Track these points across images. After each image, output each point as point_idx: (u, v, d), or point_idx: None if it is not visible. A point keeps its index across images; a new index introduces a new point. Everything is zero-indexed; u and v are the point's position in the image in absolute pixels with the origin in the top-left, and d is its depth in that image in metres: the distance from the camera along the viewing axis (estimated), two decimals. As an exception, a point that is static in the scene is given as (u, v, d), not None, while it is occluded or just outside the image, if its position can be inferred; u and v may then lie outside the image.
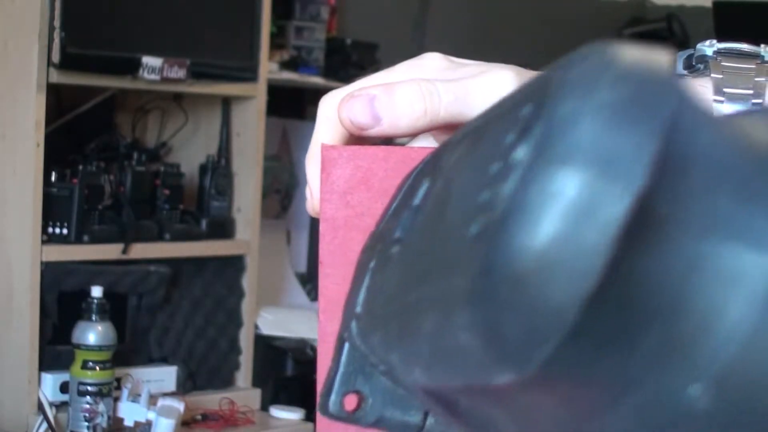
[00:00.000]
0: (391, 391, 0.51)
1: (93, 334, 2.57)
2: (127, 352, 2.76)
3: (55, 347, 2.64)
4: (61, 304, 2.63)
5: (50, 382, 2.60)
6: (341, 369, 0.52)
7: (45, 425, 2.57)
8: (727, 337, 0.36)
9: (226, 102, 3.00)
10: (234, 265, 2.98)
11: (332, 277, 0.66)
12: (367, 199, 0.66)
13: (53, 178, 2.62)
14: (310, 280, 3.44)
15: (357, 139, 0.63)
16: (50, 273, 2.60)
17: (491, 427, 0.42)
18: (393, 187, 0.65)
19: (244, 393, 2.97)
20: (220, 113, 3.00)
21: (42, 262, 2.58)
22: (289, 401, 3.01)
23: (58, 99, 2.78)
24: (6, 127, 2.59)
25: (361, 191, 0.66)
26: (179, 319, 2.89)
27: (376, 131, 0.62)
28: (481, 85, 0.61)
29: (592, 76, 0.36)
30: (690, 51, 0.64)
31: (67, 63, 2.54)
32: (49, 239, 2.62)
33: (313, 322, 3.01)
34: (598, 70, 0.36)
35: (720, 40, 0.62)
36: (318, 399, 0.53)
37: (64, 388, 2.60)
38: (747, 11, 4.67)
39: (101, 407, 2.56)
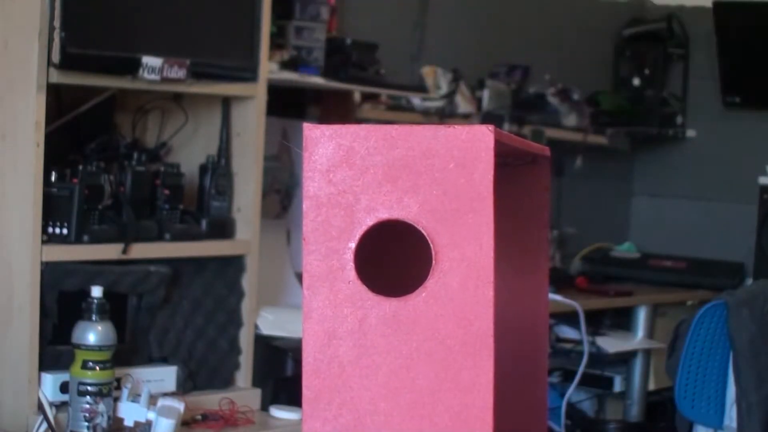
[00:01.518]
0: None
1: (93, 334, 2.57)
2: (127, 352, 2.76)
3: (55, 347, 2.64)
4: (61, 304, 2.64)
5: (50, 382, 2.60)
6: None
7: (45, 425, 2.58)
8: None
9: (226, 102, 3.00)
10: (234, 265, 2.98)
11: (315, 253, 0.67)
12: (349, 177, 0.67)
13: (53, 178, 2.63)
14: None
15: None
16: (50, 273, 2.60)
17: None
18: (374, 165, 0.66)
19: (244, 393, 2.97)
20: (220, 113, 3.00)
21: (42, 262, 2.58)
22: (289, 401, 3.01)
23: (58, 99, 2.78)
24: (6, 127, 2.60)
25: (343, 169, 0.67)
26: (179, 319, 2.89)
27: None
28: None
29: None
30: None
31: (67, 63, 2.54)
32: (49, 239, 2.62)
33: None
34: None
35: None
36: None
37: (64, 388, 2.60)
38: (747, 11, 4.68)
39: (101, 407, 2.56)
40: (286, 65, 3.34)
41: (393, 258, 0.67)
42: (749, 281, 4.51)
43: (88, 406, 2.55)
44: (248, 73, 2.92)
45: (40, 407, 2.58)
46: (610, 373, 4.38)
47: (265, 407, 3.00)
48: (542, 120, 4.38)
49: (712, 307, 3.02)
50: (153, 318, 2.83)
